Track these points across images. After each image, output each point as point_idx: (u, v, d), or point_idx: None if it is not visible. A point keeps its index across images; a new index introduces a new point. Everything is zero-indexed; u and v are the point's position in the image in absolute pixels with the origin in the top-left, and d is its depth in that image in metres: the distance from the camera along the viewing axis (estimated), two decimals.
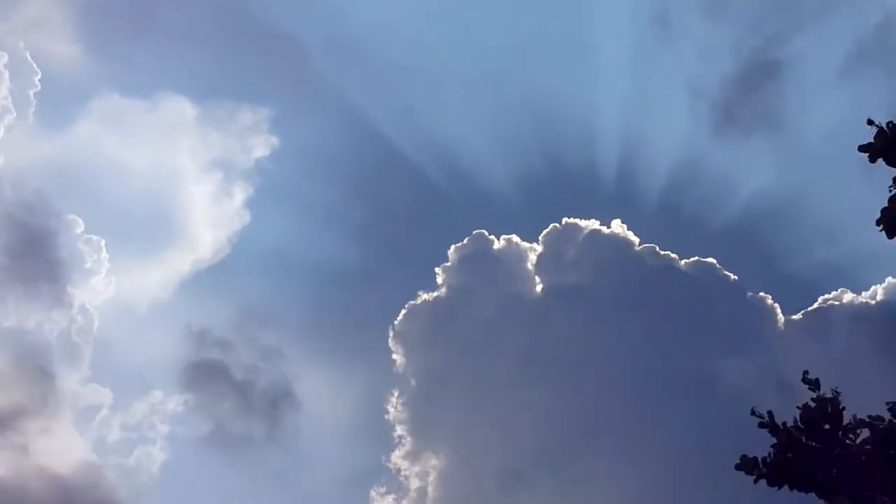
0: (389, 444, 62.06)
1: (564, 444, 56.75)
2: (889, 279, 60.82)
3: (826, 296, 58.76)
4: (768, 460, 8.75)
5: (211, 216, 70.74)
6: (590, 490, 55.50)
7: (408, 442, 60.64)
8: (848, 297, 58.72)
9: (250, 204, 70.41)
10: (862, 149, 7.83)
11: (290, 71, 76.72)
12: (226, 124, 70.19)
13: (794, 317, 58.52)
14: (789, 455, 8.70)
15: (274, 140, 69.85)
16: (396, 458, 60.67)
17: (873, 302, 58.77)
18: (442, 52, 79.61)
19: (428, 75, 79.79)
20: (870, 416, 8.89)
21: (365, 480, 69.40)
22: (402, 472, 60.29)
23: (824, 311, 58.22)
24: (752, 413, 8.89)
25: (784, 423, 8.84)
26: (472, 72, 78.74)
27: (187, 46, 75.12)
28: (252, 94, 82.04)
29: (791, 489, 8.75)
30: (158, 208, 71.85)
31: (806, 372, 9.04)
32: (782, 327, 57.98)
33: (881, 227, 7.59)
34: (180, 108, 68.80)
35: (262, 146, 69.23)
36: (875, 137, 7.71)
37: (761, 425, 8.84)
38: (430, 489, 59.04)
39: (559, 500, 56.17)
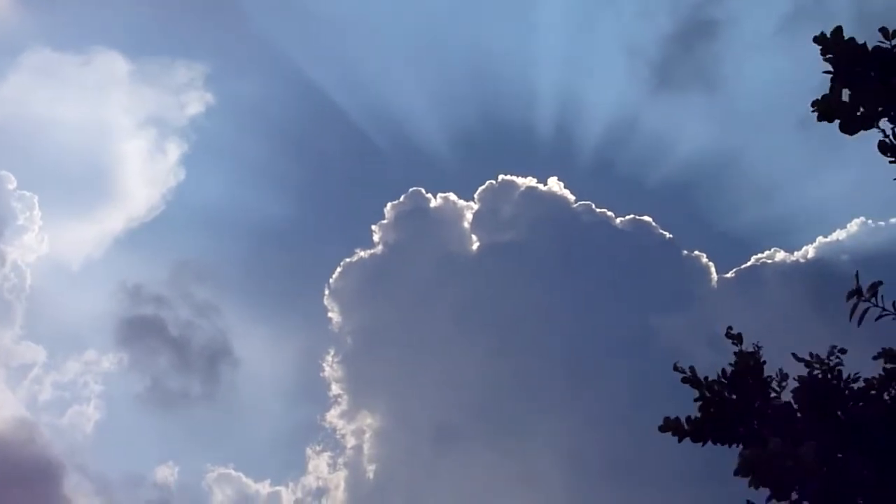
0: (326, 402, 61.91)
1: (500, 400, 57.08)
2: (820, 238, 61.76)
3: (759, 255, 59.61)
4: (692, 418, 8.66)
5: (145, 173, 69.87)
6: (525, 445, 55.91)
7: (344, 400, 60.54)
8: (780, 255, 59.58)
9: (185, 161, 69.71)
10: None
11: (227, 27, 75.66)
12: (160, 80, 69.18)
13: (728, 275, 59.28)
14: (712, 410, 8.62)
15: (209, 97, 69.04)
16: (332, 416, 60.60)
17: (804, 261, 59.68)
18: (381, 9, 78.99)
19: (367, 32, 79.17)
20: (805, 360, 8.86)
21: (301, 438, 69.43)
22: (339, 431, 60.23)
23: (757, 269, 59.10)
24: (675, 368, 8.78)
25: (706, 378, 8.74)
26: (412, 29, 78.27)
27: (121, 0, 73.48)
28: (188, 50, 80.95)
29: (714, 443, 8.65)
30: (92, 165, 70.81)
31: (730, 327, 8.96)
32: (716, 285, 58.71)
33: (814, 108, 7.36)
34: (114, 64, 67.57)
35: (197, 103, 68.39)
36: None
37: (684, 380, 8.75)
38: (366, 447, 59.06)
39: (494, 455, 56.56)
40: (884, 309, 7.68)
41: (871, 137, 7.36)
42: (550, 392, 55.90)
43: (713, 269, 58.95)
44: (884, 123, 7.38)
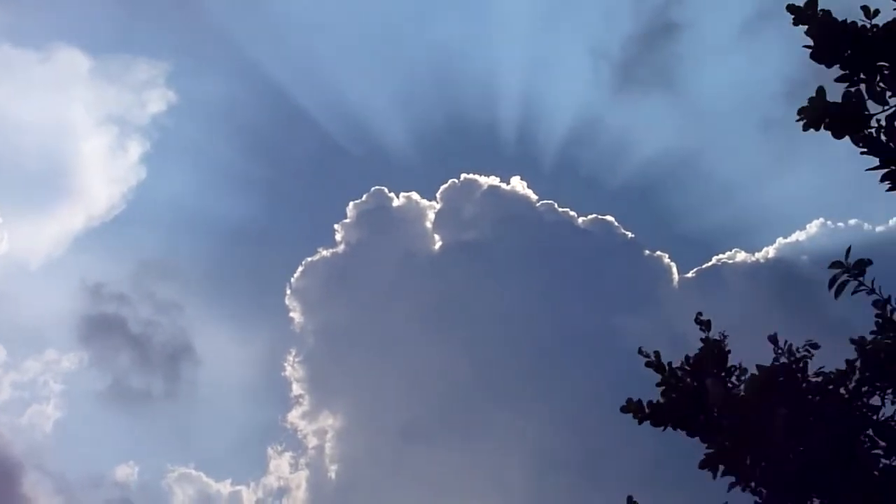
0: (287, 401, 61.60)
1: (462, 400, 57.10)
2: (780, 239, 62.32)
3: (720, 255, 60.05)
4: (654, 402, 8.69)
5: (106, 171, 69.15)
6: (488, 444, 55.93)
7: (305, 401, 60.24)
8: (741, 256, 60.03)
9: (146, 159, 69.04)
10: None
11: (190, 25, 75.11)
12: (122, 78, 68.46)
13: (688, 275, 59.66)
14: (673, 396, 8.64)
15: (171, 95, 68.31)
16: (294, 416, 60.29)
17: (764, 261, 60.19)
18: (345, 9, 78.58)
19: (330, 31, 78.84)
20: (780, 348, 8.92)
21: (263, 438, 69.08)
22: (300, 431, 59.96)
23: (717, 269, 59.51)
24: (640, 352, 8.85)
25: (670, 363, 8.77)
26: (375, 28, 78.11)
27: None
28: (149, 48, 79.99)
29: (675, 429, 8.68)
30: (51, 163, 69.88)
31: (699, 313, 9.03)
32: (677, 285, 59.05)
33: (801, 116, 7.22)
34: (74, 61, 66.71)
35: (159, 101, 67.69)
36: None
37: (648, 364, 8.79)
38: (327, 447, 58.84)
39: (457, 455, 56.54)
40: (869, 287, 7.71)
41: (831, 138, 7.28)
42: (513, 391, 56.00)
43: (675, 269, 59.34)
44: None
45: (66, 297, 70.21)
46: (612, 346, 53.98)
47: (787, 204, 77.20)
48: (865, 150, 7.04)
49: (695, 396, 8.60)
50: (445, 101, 76.00)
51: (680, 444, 8.70)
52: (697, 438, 8.82)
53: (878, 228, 59.81)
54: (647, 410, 8.62)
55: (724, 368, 8.81)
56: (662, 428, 8.66)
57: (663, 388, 8.71)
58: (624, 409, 8.70)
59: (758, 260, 60.44)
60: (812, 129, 7.19)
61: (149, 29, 79.32)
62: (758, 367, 8.96)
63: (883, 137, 6.94)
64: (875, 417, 8.84)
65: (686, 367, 8.70)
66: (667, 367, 8.70)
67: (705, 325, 8.92)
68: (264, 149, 78.80)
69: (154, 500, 62.71)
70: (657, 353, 8.72)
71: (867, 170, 7.09)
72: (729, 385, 8.93)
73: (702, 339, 8.96)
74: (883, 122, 7.06)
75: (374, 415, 58.97)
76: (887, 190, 7.06)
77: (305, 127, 75.51)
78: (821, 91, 7.17)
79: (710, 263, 59.78)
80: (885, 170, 7.00)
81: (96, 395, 65.70)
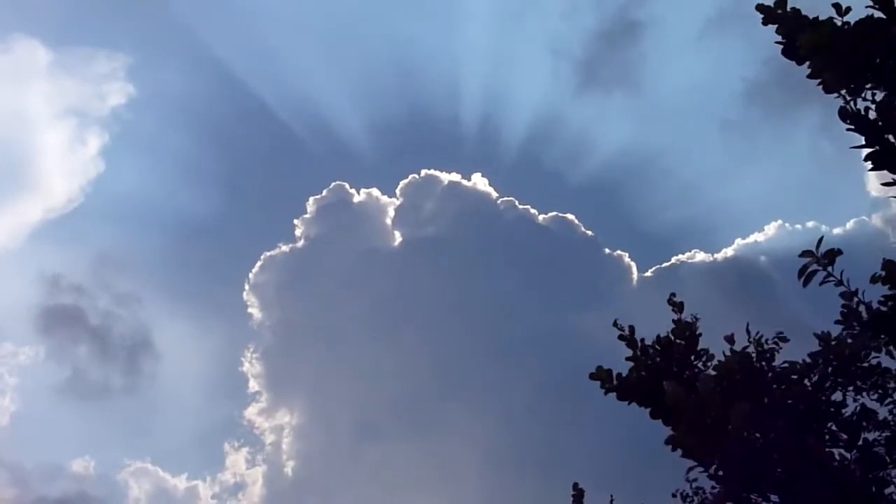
0: (245, 397, 61.19)
1: (420, 397, 56.98)
2: (738, 240, 62.88)
3: (680, 256, 60.50)
4: (622, 375, 8.62)
5: (64, 164, 68.47)
6: (445, 441, 55.84)
7: (262, 396, 59.85)
8: (700, 256, 60.48)
9: (105, 153, 68.50)
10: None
11: (150, 17, 74.57)
12: (81, 70, 67.82)
13: (647, 274, 60.01)
14: (642, 372, 8.57)
15: (131, 88, 67.75)
16: (251, 412, 59.88)
17: (722, 261, 60.70)
18: (305, 2, 78.20)
19: (290, 24, 78.58)
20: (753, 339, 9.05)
21: (220, 433, 68.64)
22: (257, 426, 59.58)
23: (676, 268, 59.88)
24: (615, 324, 8.82)
25: (643, 339, 8.71)
26: (336, 22, 77.92)
27: None
28: (110, 40, 79.24)
29: (640, 406, 8.61)
30: (9, 155, 69.03)
31: (672, 294, 9.01)
32: (636, 284, 59.36)
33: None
34: (34, 53, 65.98)
35: (118, 94, 67.13)
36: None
37: (621, 338, 8.75)
38: (284, 443, 58.48)
39: (414, 452, 56.40)
40: (837, 279, 7.66)
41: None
42: (470, 388, 55.95)
43: (634, 269, 59.62)
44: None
45: (23, 289, 69.49)
46: (569, 343, 54.14)
47: (746, 205, 78.15)
48: (852, 126, 6.92)
49: (662, 375, 8.54)
50: (407, 97, 76.07)
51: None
52: (658, 422, 8.76)
53: (836, 230, 60.60)
54: (614, 382, 8.55)
55: (694, 351, 8.76)
56: (627, 402, 8.60)
57: (632, 364, 8.65)
58: (593, 377, 8.65)
59: (716, 260, 60.93)
60: (807, 67, 6.96)
61: (109, 21, 78.68)
62: (726, 356, 8.94)
63: (871, 115, 6.80)
64: (839, 413, 8.87)
65: (657, 347, 8.64)
66: (639, 343, 8.64)
67: (677, 306, 8.87)
68: (224, 143, 78.41)
69: (110, 494, 62.12)
70: (632, 328, 8.68)
71: (851, 147, 6.99)
72: (696, 370, 8.89)
73: (674, 321, 8.93)
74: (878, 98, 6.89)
75: (332, 411, 58.72)
76: (870, 170, 6.96)
77: (266, 121, 75.18)
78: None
79: (668, 263, 60.22)
80: (870, 149, 6.86)
81: (53, 388, 65.02)
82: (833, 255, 7.57)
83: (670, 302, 8.89)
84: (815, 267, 7.53)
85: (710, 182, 79.53)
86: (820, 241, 7.57)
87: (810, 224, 63.55)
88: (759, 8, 7.30)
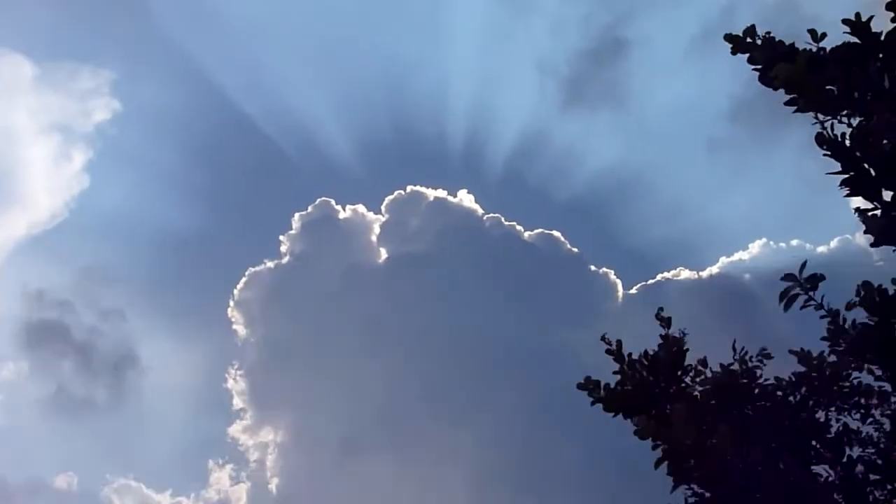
0: (229, 414, 60.96)
1: (406, 414, 56.80)
2: (723, 258, 63.09)
3: (665, 273, 60.62)
4: (609, 386, 8.68)
5: (49, 179, 68.29)
6: (430, 458, 55.71)
7: (247, 413, 59.59)
8: (685, 274, 60.60)
9: (90, 168, 68.38)
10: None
11: (135, 33, 74.52)
12: (66, 85, 67.66)
13: (632, 291, 60.10)
14: (629, 387, 8.65)
15: (116, 103, 67.65)
16: (235, 429, 59.63)
17: (707, 279, 60.83)
18: (291, 17, 78.43)
19: (276, 39, 78.68)
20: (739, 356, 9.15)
21: (204, 450, 68.30)
22: (241, 443, 59.33)
23: (661, 285, 60.00)
24: (602, 339, 8.88)
25: (630, 354, 8.78)
26: (322, 37, 78.00)
27: (27, 1, 71.82)
28: (95, 56, 79.27)
29: (625, 417, 8.68)
30: None
31: (660, 308, 9.09)
32: (621, 301, 59.42)
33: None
34: (19, 68, 65.82)
35: (103, 109, 66.99)
36: None
37: (608, 352, 8.80)
38: (269, 459, 58.25)
39: (400, 469, 56.21)
40: (818, 303, 7.73)
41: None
42: (454, 405, 55.83)
43: (620, 286, 59.73)
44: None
45: (7, 304, 69.23)
46: (554, 360, 54.10)
47: (731, 223, 78.42)
48: (829, 153, 6.97)
49: (649, 390, 8.61)
50: (393, 113, 76.09)
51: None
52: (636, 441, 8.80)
53: (820, 249, 60.82)
54: (602, 393, 8.63)
55: (682, 367, 8.83)
56: (613, 414, 8.67)
57: (619, 377, 8.72)
58: (581, 386, 8.73)
59: (701, 278, 61.09)
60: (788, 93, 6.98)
61: (94, 37, 78.51)
62: (713, 372, 9.01)
63: (847, 142, 6.85)
64: (825, 431, 8.94)
65: (644, 362, 8.71)
66: (626, 358, 8.70)
67: (665, 321, 8.92)
68: (210, 159, 78.26)
69: None
70: (619, 342, 8.75)
71: (827, 173, 7.02)
72: (683, 385, 8.96)
73: (661, 336, 8.99)
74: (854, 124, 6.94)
75: (316, 428, 58.47)
76: (845, 195, 7.00)
77: (252, 137, 75.09)
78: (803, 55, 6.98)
79: (654, 280, 60.36)
80: (845, 175, 6.91)
81: (37, 403, 64.67)
82: (816, 280, 7.64)
83: (658, 317, 8.96)
84: (796, 291, 7.61)
85: (696, 200, 79.90)
86: (803, 265, 7.65)
87: (794, 242, 63.81)
88: (728, 38, 7.30)
